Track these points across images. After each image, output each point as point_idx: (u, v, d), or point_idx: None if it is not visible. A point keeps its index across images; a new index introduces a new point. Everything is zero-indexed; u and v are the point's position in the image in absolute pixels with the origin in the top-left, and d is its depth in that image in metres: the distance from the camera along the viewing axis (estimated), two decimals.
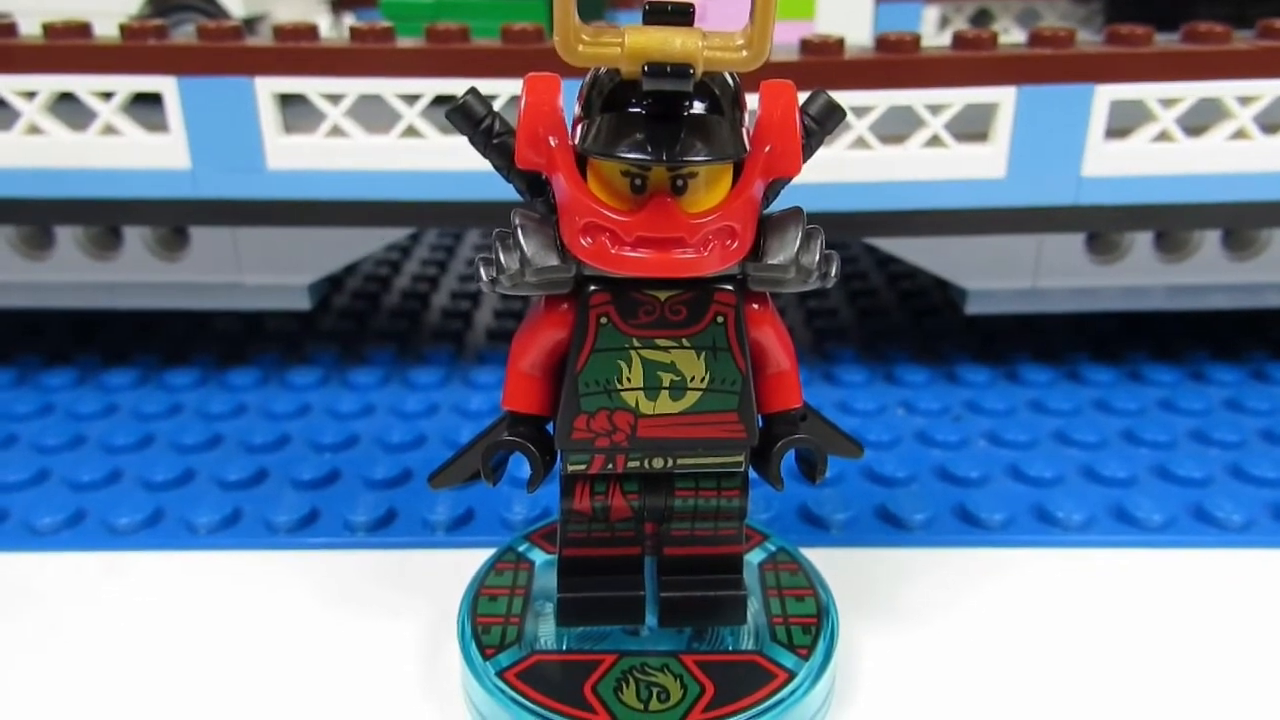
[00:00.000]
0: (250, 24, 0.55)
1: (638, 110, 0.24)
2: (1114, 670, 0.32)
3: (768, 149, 0.25)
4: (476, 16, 0.49)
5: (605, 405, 0.27)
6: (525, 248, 0.25)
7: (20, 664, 0.32)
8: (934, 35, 0.71)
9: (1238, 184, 0.43)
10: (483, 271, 0.26)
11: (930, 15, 0.72)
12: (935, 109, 0.42)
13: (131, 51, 0.42)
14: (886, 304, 0.60)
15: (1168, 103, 0.42)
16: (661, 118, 0.24)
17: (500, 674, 0.28)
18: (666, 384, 0.27)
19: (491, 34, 0.43)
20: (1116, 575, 0.36)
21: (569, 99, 0.25)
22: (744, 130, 0.25)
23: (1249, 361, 0.52)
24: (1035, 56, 0.42)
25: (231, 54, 0.41)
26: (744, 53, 0.23)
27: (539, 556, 0.33)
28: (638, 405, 0.27)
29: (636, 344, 0.26)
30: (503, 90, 0.41)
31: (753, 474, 0.29)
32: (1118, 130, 0.43)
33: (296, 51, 0.42)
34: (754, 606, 0.31)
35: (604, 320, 0.26)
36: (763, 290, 0.27)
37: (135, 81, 0.42)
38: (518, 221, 0.26)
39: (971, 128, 0.43)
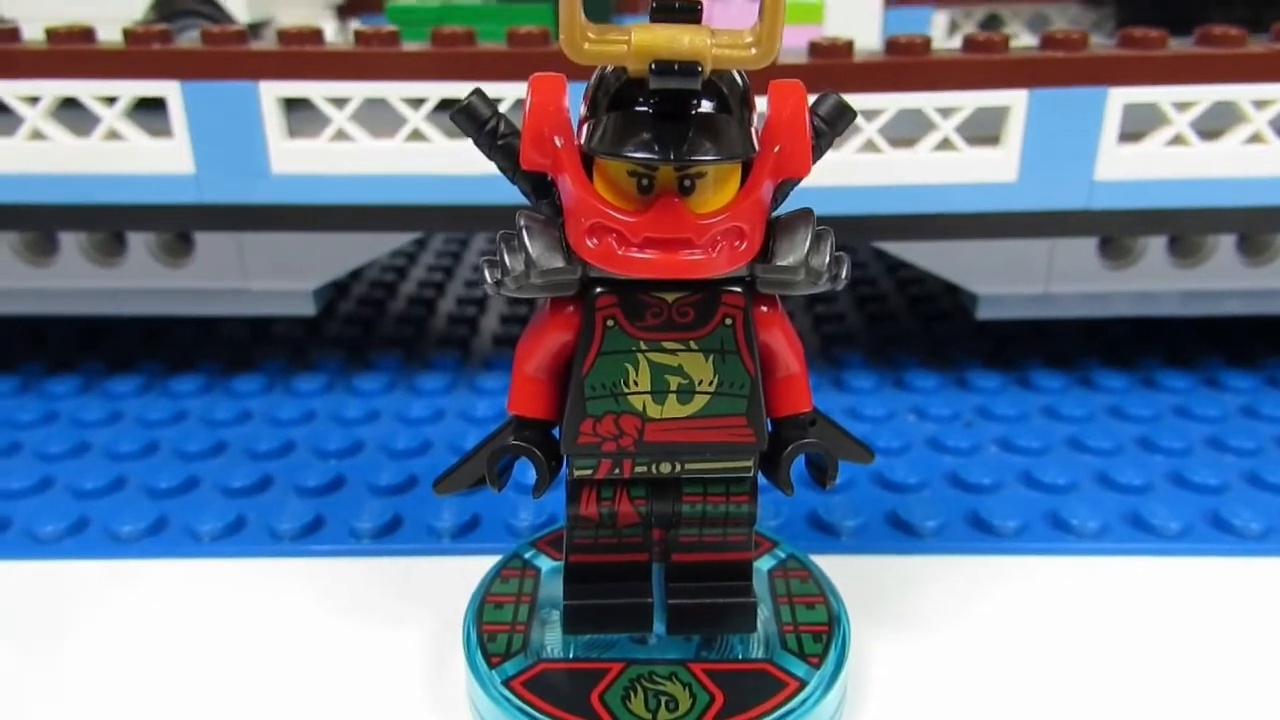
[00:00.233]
0: (255, 29, 0.55)
1: (645, 109, 0.23)
2: (1129, 680, 0.31)
3: (777, 149, 0.25)
4: (482, 21, 0.49)
5: (612, 409, 0.26)
6: (530, 249, 0.25)
7: (23, 673, 0.32)
8: (943, 40, 0.71)
9: (1252, 188, 0.43)
10: (487, 273, 0.26)
11: (940, 20, 0.72)
12: (946, 112, 0.42)
13: (135, 56, 0.42)
14: (896, 309, 0.60)
15: (1182, 106, 0.42)
16: (669, 116, 0.23)
17: (506, 683, 0.28)
18: (674, 387, 0.26)
19: (497, 38, 0.42)
20: (1132, 583, 0.36)
21: (575, 99, 0.25)
22: (753, 130, 0.24)
23: (1264, 368, 0.51)
24: (1047, 59, 0.41)
25: (236, 58, 0.41)
26: (753, 50, 0.23)
27: (545, 563, 0.33)
28: (645, 409, 0.26)
29: (643, 346, 0.26)
30: (508, 94, 0.40)
31: (762, 479, 0.28)
32: (1131, 134, 0.43)
33: (301, 55, 0.41)
34: (764, 614, 0.30)
35: (610, 322, 0.26)
36: (772, 292, 0.26)
37: (139, 86, 0.42)
38: (523, 223, 0.25)
39: (983, 131, 0.43)
